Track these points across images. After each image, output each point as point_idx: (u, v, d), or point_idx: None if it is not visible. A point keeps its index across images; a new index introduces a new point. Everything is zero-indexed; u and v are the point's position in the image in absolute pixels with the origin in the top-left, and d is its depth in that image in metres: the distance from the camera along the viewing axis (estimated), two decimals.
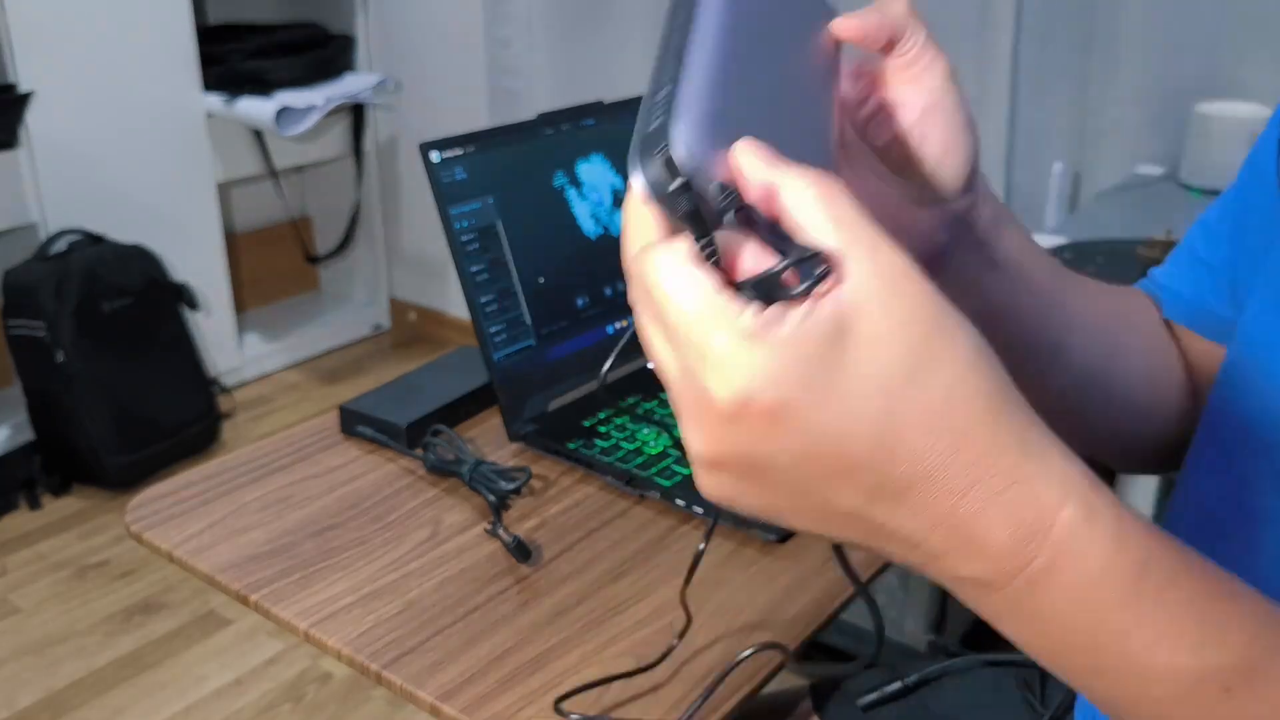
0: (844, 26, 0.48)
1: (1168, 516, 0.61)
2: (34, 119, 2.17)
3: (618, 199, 1.04)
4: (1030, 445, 0.35)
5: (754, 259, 0.36)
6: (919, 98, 0.49)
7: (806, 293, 0.34)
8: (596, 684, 0.66)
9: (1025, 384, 0.59)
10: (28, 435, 2.28)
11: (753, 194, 0.37)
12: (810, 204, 0.35)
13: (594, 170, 1.02)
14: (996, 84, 1.84)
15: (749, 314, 0.34)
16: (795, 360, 0.33)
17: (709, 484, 0.37)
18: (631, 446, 0.91)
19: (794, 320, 0.33)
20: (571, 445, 0.91)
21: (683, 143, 0.38)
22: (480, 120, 2.59)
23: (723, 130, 0.39)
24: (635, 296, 0.37)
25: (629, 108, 1.07)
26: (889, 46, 0.49)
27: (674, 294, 0.35)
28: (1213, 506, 0.54)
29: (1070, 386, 0.61)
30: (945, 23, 1.87)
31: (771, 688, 0.70)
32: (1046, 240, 1.34)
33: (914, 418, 0.34)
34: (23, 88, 2.15)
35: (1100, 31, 1.77)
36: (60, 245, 2.22)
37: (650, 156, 0.38)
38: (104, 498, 2.25)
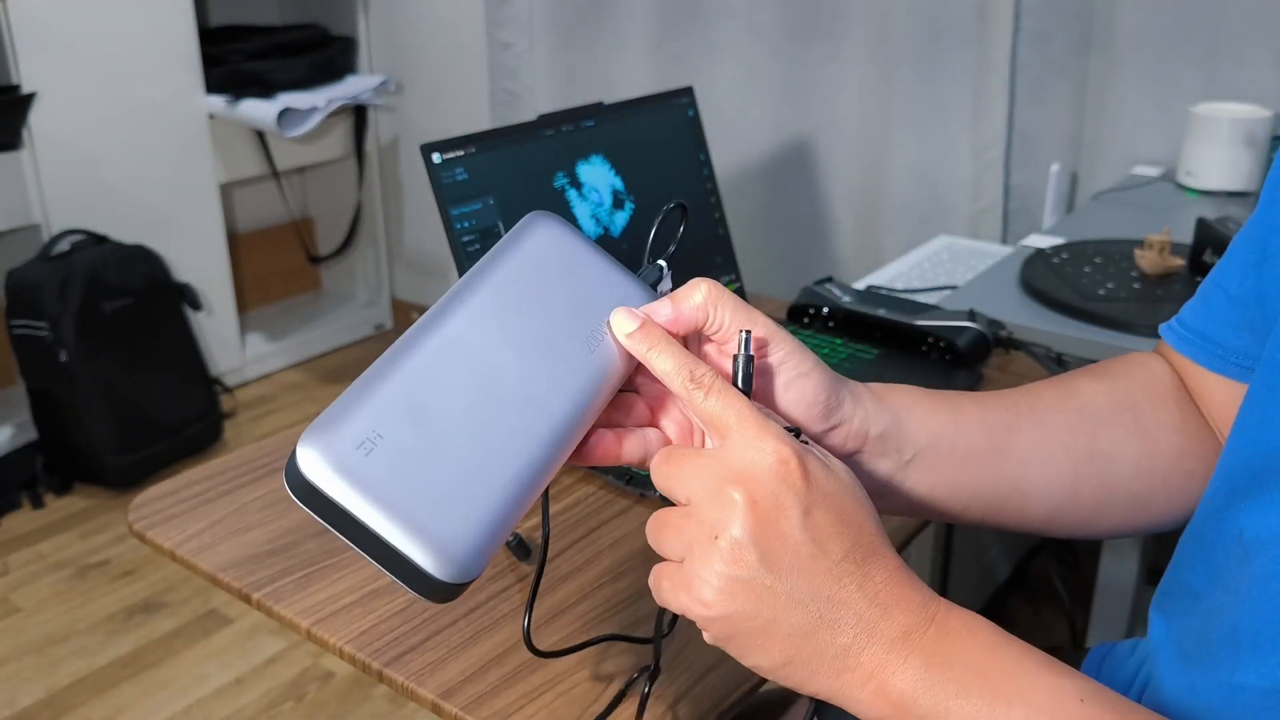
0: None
1: (1183, 544, 0.60)
2: (37, 120, 2.18)
3: (618, 200, 1.05)
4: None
5: None
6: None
7: None
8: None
9: (1006, 525, 0.65)
10: (30, 435, 2.29)
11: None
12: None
13: (594, 171, 1.03)
14: (995, 85, 1.84)
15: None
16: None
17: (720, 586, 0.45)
18: None
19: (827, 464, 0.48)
20: None
21: (308, 465, 0.42)
22: (481, 121, 2.60)
23: (355, 455, 0.43)
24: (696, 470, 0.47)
25: (629, 109, 1.08)
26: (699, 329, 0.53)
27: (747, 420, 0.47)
28: (1241, 529, 0.53)
29: (1055, 509, 0.63)
30: (944, 24, 1.88)
31: (770, 685, 0.71)
32: (1044, 241, 1.35)
33: (869, 510, 0.48)
34: (26, 89, 2.15)
35: (1098, 32, 1.77)
36: (63, 245, 2.23)
37: (291, 458, 0.43)
38: (106, 497, 2.25)
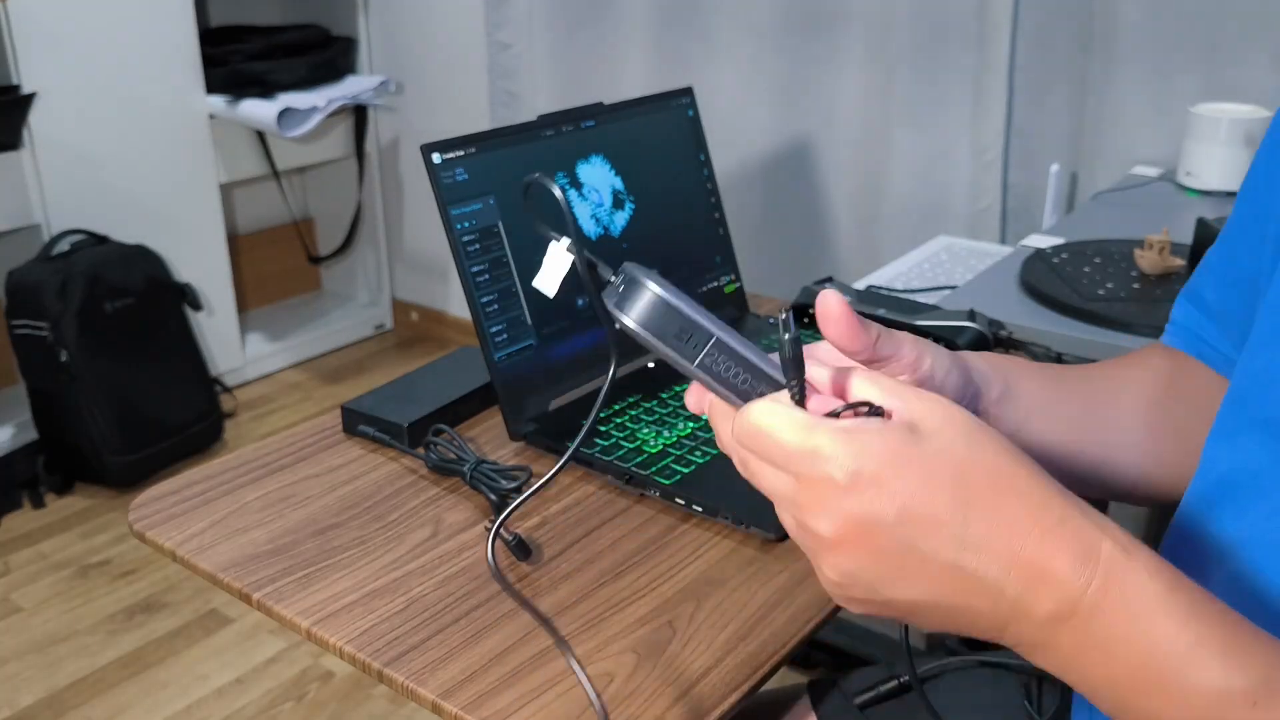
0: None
1: (1161, 552, 0.61)
2: (37, 120, 2.18)
3: (618, 200, 1.05)
4: (1066, 497, 0.44)
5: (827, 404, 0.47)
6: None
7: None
8: None
9: (1101, 472, 0.66)
10: (31, 434, 2.29)
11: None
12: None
13: (594, 171, 1.03)
14: (994, 85, 1.84)
15: (842, 420, 0.44)
16: (885, 445, 0.43)
17: (833, 565, 0.45)
18: (631, 445, 0.91)
19: (876, 424, 0.44)
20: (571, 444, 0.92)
21: None
22: (481, 122, 2.60)
23: None
24: (747, 447, 0.46)
25: (629, 109, 1.08)
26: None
27: (777, 427, 0.45)
28: (1213, 534, 0.54)
29: (1142, 455, 0.65)
30: (943, 24, 1.88)
31: (770, 685, 0.71)
32: (1044, 241, 1.35)
33: (979, 481, 0.43)
34: (26, 89, 2.15)
35: (1098, 33, 1.77)
36: (63, 245, 2.23)
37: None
38: (106, 497, 2.26)
